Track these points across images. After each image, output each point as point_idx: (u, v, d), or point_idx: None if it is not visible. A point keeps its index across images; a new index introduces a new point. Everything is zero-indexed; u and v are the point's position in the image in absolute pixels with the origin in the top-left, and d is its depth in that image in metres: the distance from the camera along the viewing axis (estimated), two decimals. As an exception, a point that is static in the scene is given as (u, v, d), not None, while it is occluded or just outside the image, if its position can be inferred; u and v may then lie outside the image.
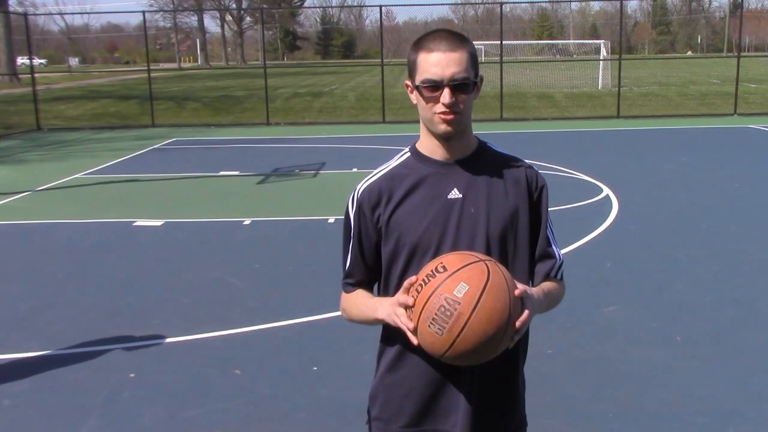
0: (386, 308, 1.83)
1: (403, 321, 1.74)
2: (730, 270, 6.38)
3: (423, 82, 1.81)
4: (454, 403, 1.90)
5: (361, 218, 1.94)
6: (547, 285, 1.95)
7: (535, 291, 1.84)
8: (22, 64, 41.03)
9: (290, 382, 4.38)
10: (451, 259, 1.74)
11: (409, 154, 1.96)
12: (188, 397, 4.21)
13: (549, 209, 1.99)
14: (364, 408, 2.11)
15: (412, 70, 1.86)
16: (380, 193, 1.91)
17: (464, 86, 1.81)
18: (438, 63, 1.79)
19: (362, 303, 1.97)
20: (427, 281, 1.71)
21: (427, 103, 1.83)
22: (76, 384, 4.40)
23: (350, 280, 2.01)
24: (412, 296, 1.73)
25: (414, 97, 1.88)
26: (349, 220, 1.97)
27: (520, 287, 1.73)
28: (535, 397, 3.75)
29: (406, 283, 1.77)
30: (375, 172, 1.97)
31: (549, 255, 1.97)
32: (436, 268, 1.72)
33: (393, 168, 1.95)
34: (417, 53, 1.84)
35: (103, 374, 4.52)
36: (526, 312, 1.72)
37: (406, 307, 1.75)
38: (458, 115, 1.82)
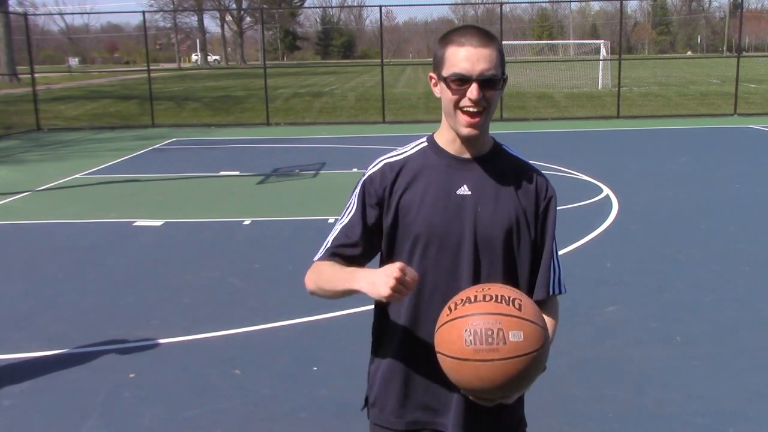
0: (377, 275, 1.69)
1: (405, 278, 1.65)
2: (730, 270, 6.38)
3: (452, 75, 1.80)
4: (450, 400, 1.91)
5: (367, 197, 1.92)
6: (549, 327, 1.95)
7: None
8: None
9: (290, 382, 4.38)
10: (529, 306, 1.70)
11: (426, 143, 1.96)
12: (188, 397, 4.21)
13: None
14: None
15: (439, 63, 1.85)
16: (391, 176, 1.91)
17: (492, 82, 1.80)
18: (468, 58, 1.78)
19: (338, 270, 1.87)
20: (498, 299, 1.67)
21: (453, 95, 1.81)
22: (76, 384, 4.40)
23: (335, 249, 1.93)
24: (477, 293, 1.68)
25: (438, 90, 1.87)
26: (354, 199, 1.95)
27: None
28: (535, 397, 3.75)
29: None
30: (391, 154, 1.96)
31: (552, 268, 1.96)
32: (512, 300, 1.68)
33: (409, 154, 1.95)
34: (446, 47, 1.83)
35: (103, 374, 4.52)
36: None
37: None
38: (484, 114, 1.82)
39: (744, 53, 37.89)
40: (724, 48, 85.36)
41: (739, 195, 9.46)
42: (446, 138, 1.91)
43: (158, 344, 4.98)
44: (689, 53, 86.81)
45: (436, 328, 1.72)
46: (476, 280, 1.87)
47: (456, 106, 1.82)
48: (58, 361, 4.73)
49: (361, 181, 1.95)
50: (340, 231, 1.95)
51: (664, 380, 4.30)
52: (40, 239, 7.95)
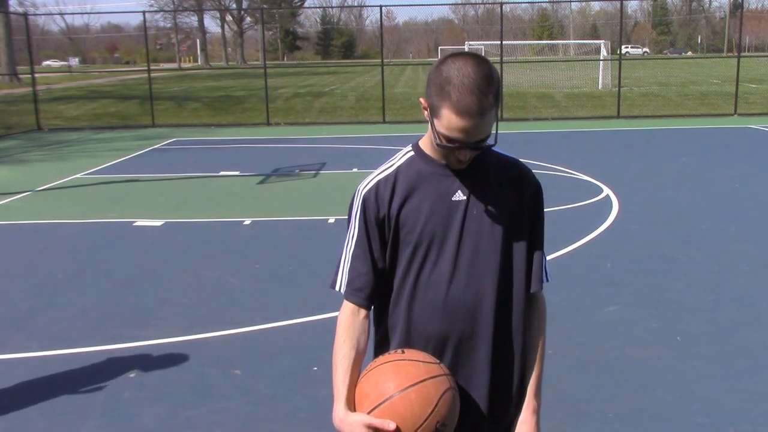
0: (348, 425, 1.87)
1: None
2: (730, 270, 6.38)
3: (445, 138, 1.77)
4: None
5: (367, 218, 1.89)
6: (538, 358, 1.98)
7: (537, 402, 1.97)
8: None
9: (290, 382, 4.38)
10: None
11: (412, 152, 1.94)
12: (188, 397, 4.21)
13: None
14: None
15: (433, 108, 1.77)
16: (385, 192, 1.88)
17: (483, 143, 1.80)
18: (465, 129, 1.73)
19: (343, 358, 2.01)
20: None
21: (444, 147, 1.80)
22: (76, 384, 4.40)
23: (355, 285, 1.92)
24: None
25: (427, 115, 1.83)
26: (355, 221, 1.92)
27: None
28: (535, 397, 3.70)
29: (378, 424, 1.78)
30: (379, 170, 1.94)
31: (542, 257, 1.98)
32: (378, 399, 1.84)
33: (398, 166, 1.92)
34: (443, 101, 1.73)
35: (103, 374, 4.52)
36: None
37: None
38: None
39: (744, 53, 37.90)
40: (725, 48, 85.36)
41: (739, 195, 9.46)
42: (433, 147, 1.89)
43: (158, 344, 4.98)
44: (689, 53, 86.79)
45: None
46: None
47: (445, 153, 1.83)
48: (58, 361, 4.73)
49: (359, 202, 1.91)
50: (352, 261, 1.92)
51: (664, 380, 4.30)
52: (40, 239, 7.95)
